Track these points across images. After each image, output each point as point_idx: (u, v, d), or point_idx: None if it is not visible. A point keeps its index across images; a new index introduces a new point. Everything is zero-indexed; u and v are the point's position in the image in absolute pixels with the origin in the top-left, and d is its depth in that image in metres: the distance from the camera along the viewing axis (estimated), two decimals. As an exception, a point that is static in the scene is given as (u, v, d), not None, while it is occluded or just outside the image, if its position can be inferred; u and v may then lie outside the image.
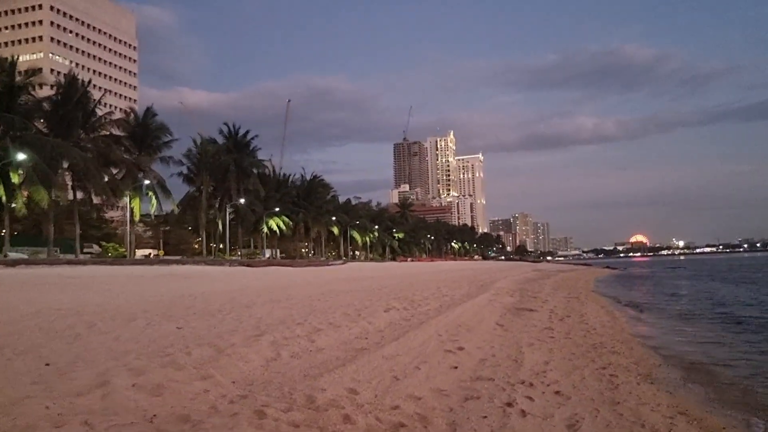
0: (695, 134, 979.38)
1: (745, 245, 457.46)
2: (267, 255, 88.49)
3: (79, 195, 53.23)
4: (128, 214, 56.29)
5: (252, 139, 79.89)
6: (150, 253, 70.87)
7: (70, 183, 51.15)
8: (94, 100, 52.64)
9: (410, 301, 19.04)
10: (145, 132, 56.92)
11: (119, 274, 27.27)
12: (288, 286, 26.59)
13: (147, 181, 55.57)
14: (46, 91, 50.90)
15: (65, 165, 48.71)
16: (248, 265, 50.34)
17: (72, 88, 49.80)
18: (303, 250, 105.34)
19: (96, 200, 54.27)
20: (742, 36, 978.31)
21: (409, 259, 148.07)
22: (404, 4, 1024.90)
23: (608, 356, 11.63)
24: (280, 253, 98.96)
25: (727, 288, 41.53)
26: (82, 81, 51.78)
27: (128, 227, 55.79)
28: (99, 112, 54.08)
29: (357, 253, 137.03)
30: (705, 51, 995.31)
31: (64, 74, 51.67)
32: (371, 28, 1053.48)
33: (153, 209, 59.57)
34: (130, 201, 54.64)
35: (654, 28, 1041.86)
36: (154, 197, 57.73)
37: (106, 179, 51.68)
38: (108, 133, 53.49)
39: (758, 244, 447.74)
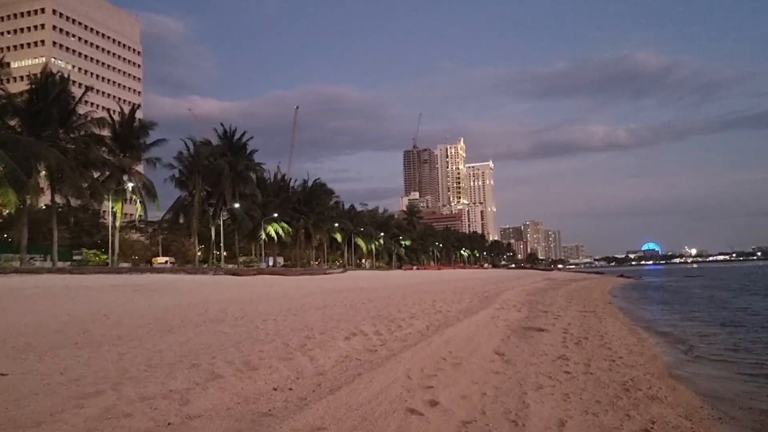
0: (706, 142, 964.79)
1: (759, 253, 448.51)
2: (270, 263, 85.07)
3: (61, 199, 49.73)
4: (110, 219, 52.81)
5: (248, 141, 76.24)
6: (167, 261, 67.35)
7: (47, 185, 47.75)
8: (74, 97, 49.25)
9: (389, 320, 15.34)
10: (128, 132, 53.44)
11: (59, 285, 23.60)
12: (256, 299, 22.85)
13: (131, 184, 52.10)
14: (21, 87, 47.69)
15: (42, 166, 45.35)
16: (235, 274, 46.72)
17: (49, 84, 46.48)
18: (308, 258, 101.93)
19: (74, 204, 50.76)
20: (754, 44, 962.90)
21: (415, 267, 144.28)
22: (415, 14, 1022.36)
23: (647, 405, 8.28)
24: (284, 260, 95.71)
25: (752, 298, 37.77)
26: (61, 77, 48.51)
27: (110, 232, 52.27)
28: (81, 111, 50.71)
29: (363, 261, 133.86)
30: (716, 59, 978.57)
31: (40, 72, 48.07)
32: (382, 37, 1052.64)
33: (138, 214, 56.25)
34: (112, 205, 51.19)
35: (665, 36, 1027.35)
36: (138, 201, 54.31)
37: (86, 183, 48.10)
38: (90, 132, 49.88)
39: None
